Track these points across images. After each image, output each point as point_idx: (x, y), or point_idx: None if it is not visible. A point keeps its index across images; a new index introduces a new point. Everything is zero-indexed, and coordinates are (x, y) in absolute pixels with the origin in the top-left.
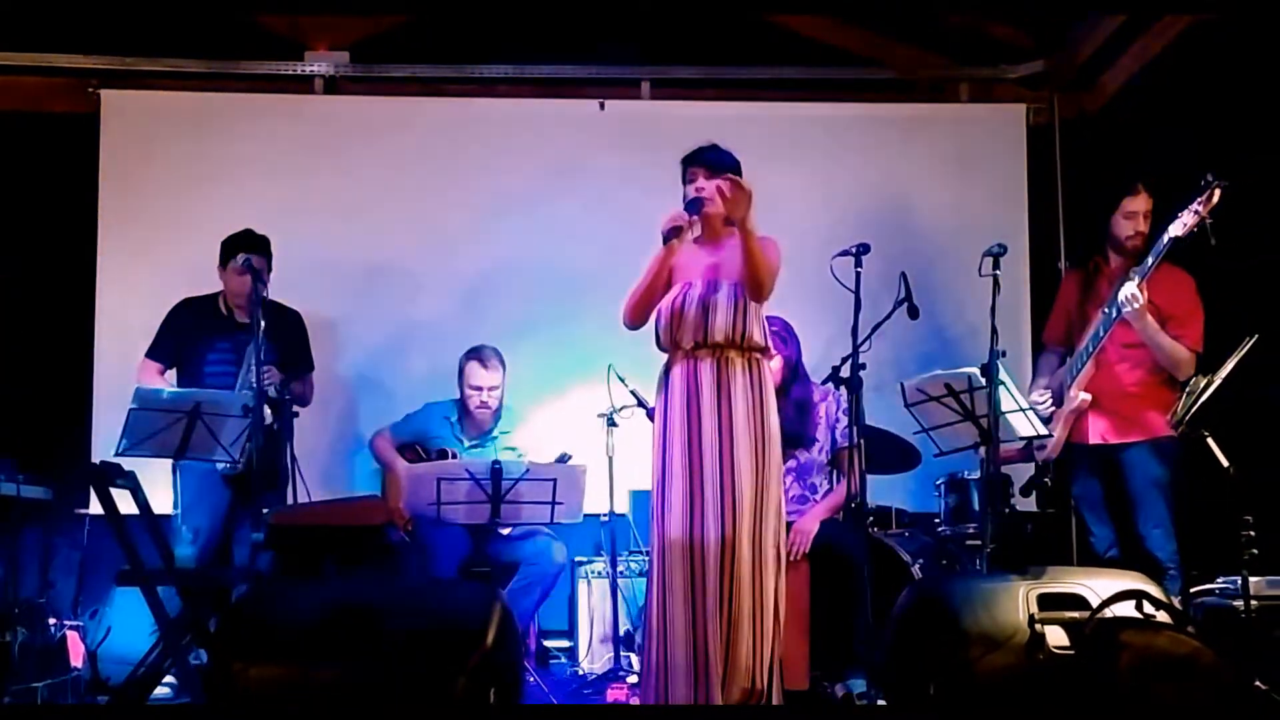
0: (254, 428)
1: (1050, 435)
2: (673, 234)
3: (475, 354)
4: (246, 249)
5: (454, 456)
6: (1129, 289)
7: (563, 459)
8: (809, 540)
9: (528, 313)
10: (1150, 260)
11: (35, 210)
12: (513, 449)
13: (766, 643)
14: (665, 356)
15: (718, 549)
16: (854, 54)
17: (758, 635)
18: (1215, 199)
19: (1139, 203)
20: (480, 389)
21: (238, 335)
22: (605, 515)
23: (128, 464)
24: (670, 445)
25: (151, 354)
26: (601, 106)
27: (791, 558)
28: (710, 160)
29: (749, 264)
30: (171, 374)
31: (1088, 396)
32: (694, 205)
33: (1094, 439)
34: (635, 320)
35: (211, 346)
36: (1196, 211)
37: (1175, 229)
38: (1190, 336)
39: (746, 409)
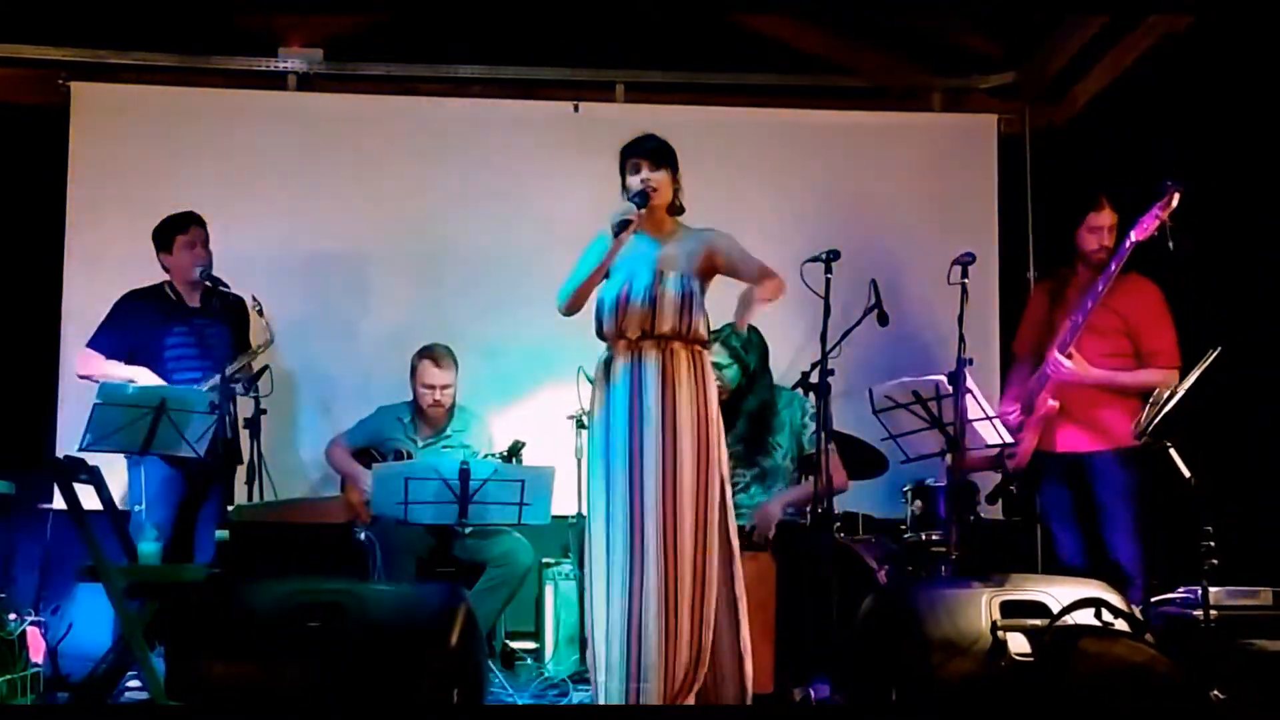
0: (221, 423)
1: (1016, 443)
2: (622, 227)
3: (427, 352)
4: (197, 225)
5: (409, 457)
6: (1055, 357)
7: (516, 448)
8: (772, 525)
9: (499, 313)
10: (1114, 267)
11: (2, 202)
12: (467, 447)
13: (706, 635)
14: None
15: (658, 543)
16: (828, 61)
17: (697, 626)
18: (1174, 202)
19: (1103, 217)
20: (433, 387)
21: (193, 320)
22: (573, 517)
23: (91, 459)
24: (613, 438)
25: (94, 344)
26: (576, 109)
27: (756, 540)
28: (653, 150)
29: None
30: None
31: (1055, 404)
32: (641, 198)
33: (1062, 447)
34: (573, 309)
35: (169, 332)
36: (1157, 215)
37: (1136, 234)
38: (1164, 354)
39: (691, 401)
